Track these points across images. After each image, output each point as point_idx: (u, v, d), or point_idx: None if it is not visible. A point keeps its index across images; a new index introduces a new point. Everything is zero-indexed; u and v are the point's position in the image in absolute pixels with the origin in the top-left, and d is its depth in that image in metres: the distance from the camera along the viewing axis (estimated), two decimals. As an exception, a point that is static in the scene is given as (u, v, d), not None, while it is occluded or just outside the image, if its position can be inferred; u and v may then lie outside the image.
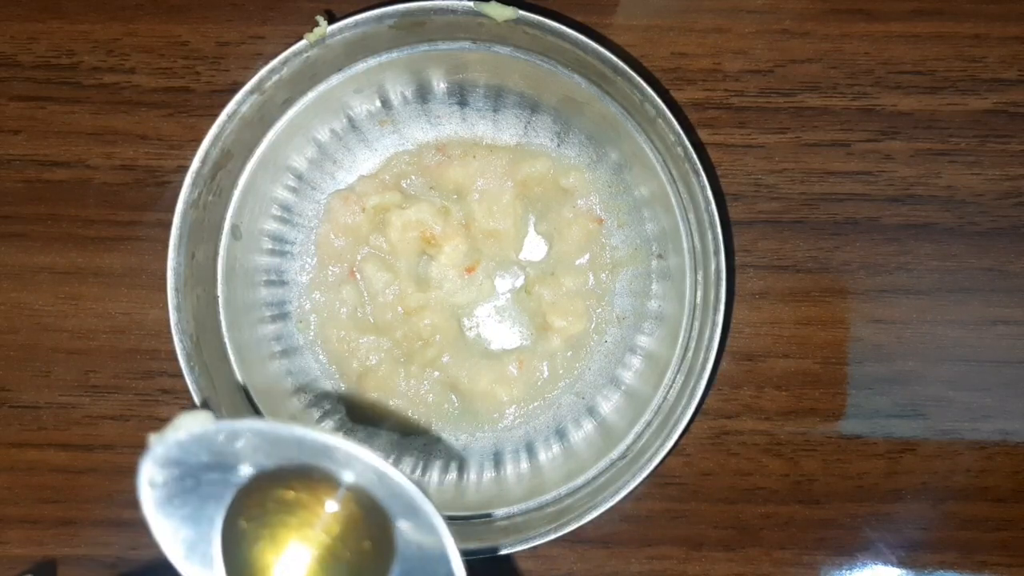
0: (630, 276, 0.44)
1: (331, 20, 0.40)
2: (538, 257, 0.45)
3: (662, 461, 0.39)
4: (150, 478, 0.25)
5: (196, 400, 0.39)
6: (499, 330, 0.45)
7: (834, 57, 0.45)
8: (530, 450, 0.44)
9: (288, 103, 0.42)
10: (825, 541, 0.44)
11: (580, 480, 0.42)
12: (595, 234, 0.44)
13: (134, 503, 0.46)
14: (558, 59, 0.41)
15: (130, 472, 0.45)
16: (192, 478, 0.25)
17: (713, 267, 0.39)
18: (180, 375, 0.39)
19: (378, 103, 0.44)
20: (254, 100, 0.40)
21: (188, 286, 0.40)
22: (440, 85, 0.43)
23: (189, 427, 0.25)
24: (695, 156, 0.39)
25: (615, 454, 0.42)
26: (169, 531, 0.25)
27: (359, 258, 0.45)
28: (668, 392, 0.41)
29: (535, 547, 0.39)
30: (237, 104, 0.40)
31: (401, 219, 0.44)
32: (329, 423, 0.44)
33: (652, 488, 0.44)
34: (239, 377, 0.42)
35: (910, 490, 0.44)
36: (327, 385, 0.44)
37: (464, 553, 0.38)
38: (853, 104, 0.45)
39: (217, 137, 0.40)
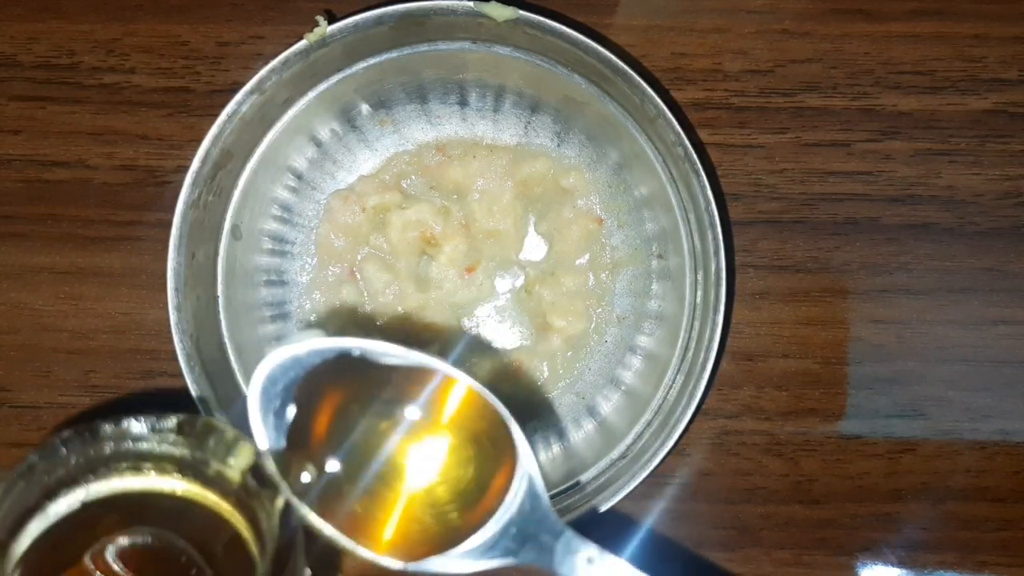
0: (630, 276, 0.44)
1: (331, 20, 0.40)
2: (538, 257, 0.45)
3: (662, 461, 0.39)
4: (263, 384, 0.29)
5: (196, 400, 0.39)
6: (499, 330, 0.45)
7: (834, 57, 0.45)
8: (530, 450, 0.44)
9: (288, 103, 0.42)
10: (825, 541, 0.44)
11: (580, 480, 0.42)
12: (595, 234, 0.44)
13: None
14: (558, 59, 0.41)
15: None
16: (295, 384, 0.29)
17: (713, 267, 0.39)
18: (180, 375, 0.39)
19: (378, 103, 0.44)
20: (254, 100, 0.40)
21: (188, 286, 0.40)
22: (440, 85, 0.43)
23: (306, 342, 0.29)
24: (695, 156, 0.39)
25: (615, 454, 0.42)
26: (265, 432, 0.29)
27: (359, 258, 0.45)
28: (668, 392, 0.41)
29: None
30: (237, 104, 0.40)
31: (401, 219, 0.44)
32: (329, 423, 0.44)
33: (652, 488, 0.44)
34: (239, 377, 0.42)
35: (910, 490, 0.44)
36: (327, 385, 0.44)
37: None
38: (853, 104, 0.45)
39: (217, 137, 0.40)
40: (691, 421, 0.39)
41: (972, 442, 0.44)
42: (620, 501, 0.39)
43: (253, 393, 0.29)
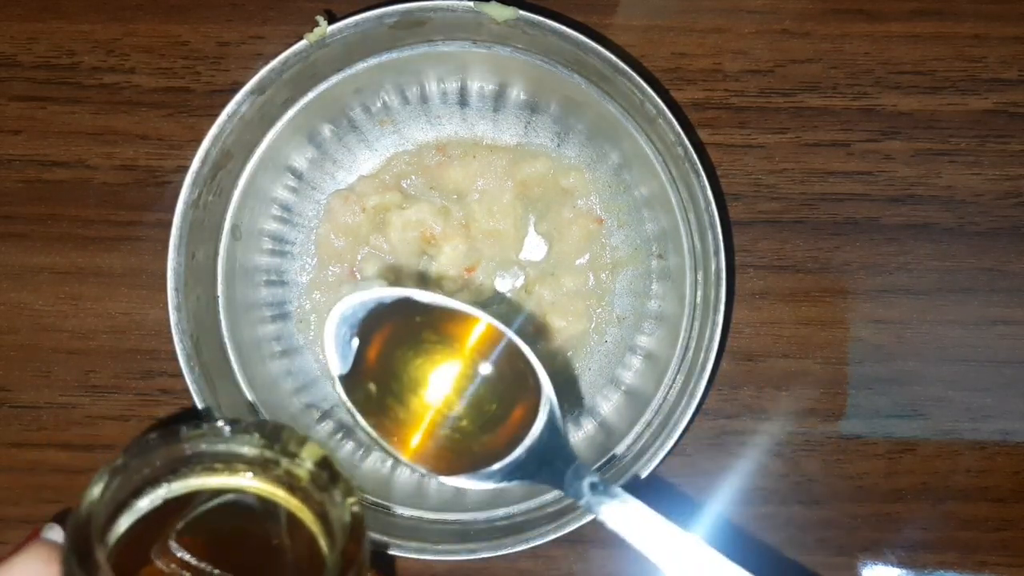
0: (630, 276, 0.44)
1: (331, 20, 0.40)
2: (538, 257, 0.45)
3: (662, 461, 0.39)
4: (336, 323, 0.34)
5: (196, 401, 0.39)
6: (499, 330, 0.45)
7: (834, 57, 0.45)
8: (530, 450, 0.44)
9: (288, 103, 0.42)
10: (825, 541, 0.44)
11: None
12: (595, 234, 0.44)
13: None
14: (558, 59, 0.41)
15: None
16: (351, 323, 0.34)
17: (713, 267, 0.39)
18: (180, 375, 0.39)
19: (378, 103, 0.44)
20: (254, 100, 0.40)
21: (188, 286, 0.40)
22: (440, 85, 0.43)
23: (372, 291, 0.34)
24: (695, 156, 0.39)
25: (615, 454, 0.42)
26: (338, 360, 0.34)
27: (359, 258, 0.45)
28: (668, 392, 0.41)
29: (535, 547, 0.39)
30: (237, 104, 0.40)
31: (401, 219, 0.44)
32: (329, 423, 0.44)
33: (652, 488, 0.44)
34: (239, 377, 0.42)
35: (910, 490, 0.44)
36: (327, 385, 0.44)
37: (464, 552, 0.38)
38: (853, 104, 0.45)
39: (217, 137, 0.40)
40: (691, 421, 0.39)
41: (972, 442, 0.44)
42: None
43: (329, 330, 0.34)
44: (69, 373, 0.45)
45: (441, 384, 0.36)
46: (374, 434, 0.35)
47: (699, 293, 0.41)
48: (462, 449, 0.35)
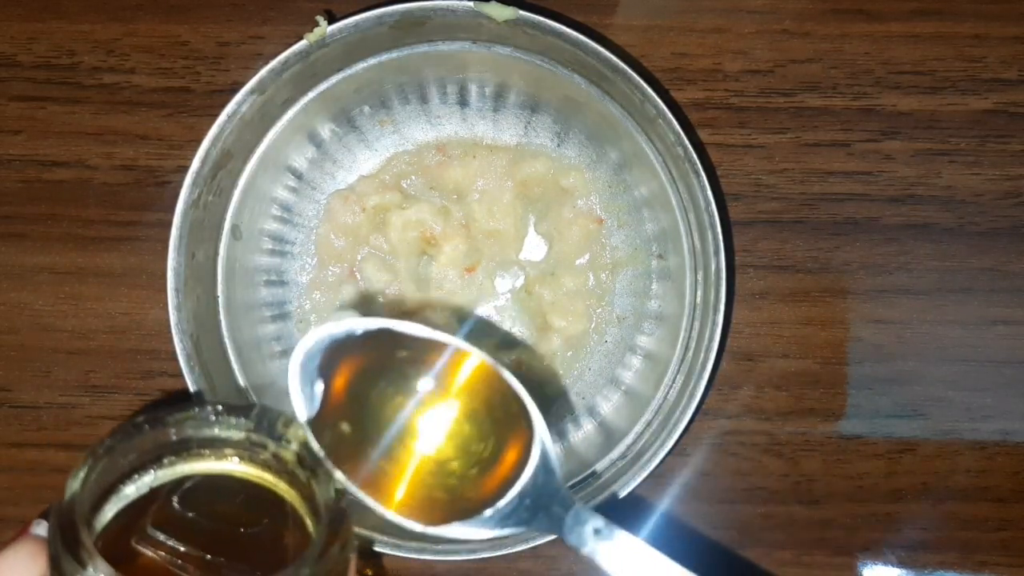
0: (630, 276, 0.44)
1: (331, 20, 0.40)
2: (538, 257, 0.45)
3: (662, 461, 0.39)
4: (301, 360, 0.32)
5: (196, 400, 0.39)
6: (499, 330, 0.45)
7: (834, 57, 0.45)
8: (530, 450, 0.44)
9: (288, 103, 0.42)
10: (825, 541, 0.44)
11: (580, 480, 0.42)
12: (595, 234, 0.44)
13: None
14: (558, 59, 0.41)
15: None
16: (321, 359, 0.32)
17: (713, 267, 0.39)
18: (180, 375, 0.39)
19: (378, 103, 0.44)
20: (254, 100, 0.40)
21: (188, 286, 0.40)
22: (440, 85, 0.43)
23: (343, 323, 0.31)
24: (695, 156, 0.39)
25: (615, 454, 0.41)
26: (302, 397, 0.32)
27: (359, 258, 0.45)
28: (668, 392, 0.41)
29: (535, 547, 0.39)
30: (237, 104, 0.40)
31: (401, 219, 0.44)
32: (329, 423, 0.44)
33: (652, 488, 0.44)
34: (239, 377, 0.42)
35: (910, 490, 0.44)
36: (327, 385, 0.44)
37: (464, 552, 0.38)
38: (853, 104, 0.45)
39: (217, 137, 0.40)
40: (691, 421, 0.39)
41: (972, 442, 0.44)
42: (620, 501, 0.39)
43: (293, 369, 0.32)
44: (69, 373, 0.45)
45: (425, 425, 0.33)
46: (351, 486, 0.32)
47: (699, 293, 0.41)
48: (450, 496, 0.33)
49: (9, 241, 0.46)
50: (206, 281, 0.42)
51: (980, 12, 0.45)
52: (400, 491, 0.32)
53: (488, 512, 0.32)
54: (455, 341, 0.32)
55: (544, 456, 0.32)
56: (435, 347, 0.32)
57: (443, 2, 0.39)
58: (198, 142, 0.40)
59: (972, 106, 0.45)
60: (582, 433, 0.44)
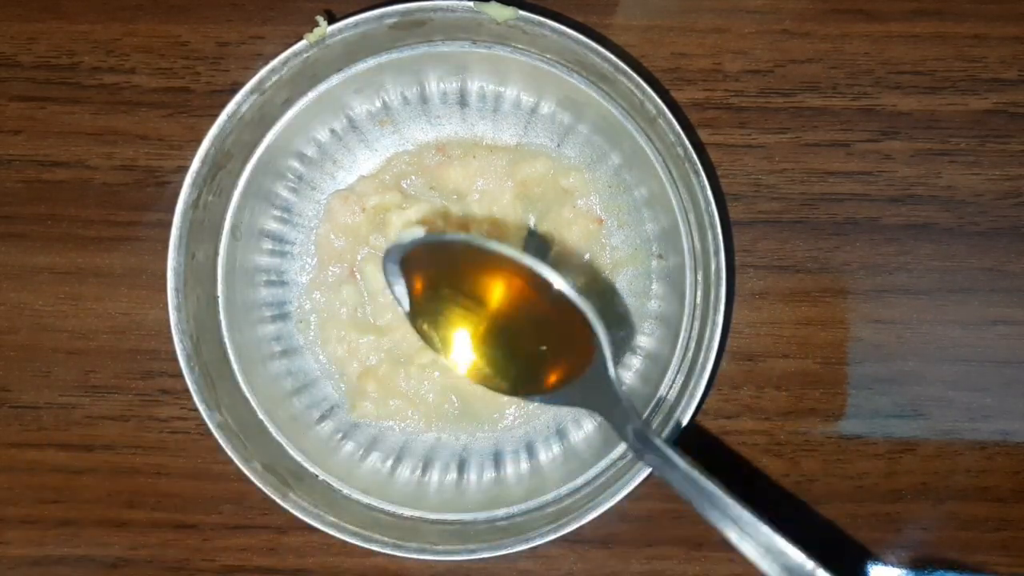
0: (630, 276, 0.44)
1: (331, 20, 0.40)
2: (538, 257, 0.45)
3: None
4: (390, 261, 0.37)
5: (196, 400, 0.39)
6: (499, 330, 0.45)
7: (834, 57, 0.45)
8: (530, 450, 0.44)
9: (288, 103, 0.42)
10: (825, 541, 0.44)
11: (580, 480, 0.42)
12: (595, 234, 0.44)
13: (134, 503, 0.46)
14: (558, 59, 0.41)
15: (130, 472, 0.45)
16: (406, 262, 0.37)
17: (713, 267, 0.39)
18: (180, 375, 0.39)
19: (378, 103, 0.44)
20: (254, 100, 0.40)
21: (188, 286, 0.40)
22: (440, 85, 0.43)
23: (419, 232, 0.38)
24: (695, 156, 0.39)
25: (615, 454, 0.42)
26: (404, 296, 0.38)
27: (359, 258, 0.45)
28: (668, 392, 0.41)
29: (535, 547, 0.39)
30: (237, 104, 0.40)
31: (401, 219, 0.44)
32: (329, 423, 0.44)
33: (652, 488, 0.44)
34: (239, 377, 0.42)
35: (910, 490, 0.44)
36: (327, 385, 0.44)
37: (464, 552, 0.38)
38: (853, 104, 0.45)
39: (217, 137, 0.40)
40: (691, 421, 0.39)
41: (972, 442, 0.44)
42: (620, 501, 0.39)
43: (391, 267, 0.37)
44: (69, 373, 0.45)
45: (501, 316, 0.37)
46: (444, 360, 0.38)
47: (699, 293, 0.41)
48: (519, 376, 0.38)
49: (9, 241, 0.46)
50: (206, 281, 0.42)
51: (980, 12, 0.45)
52: (481, 365, 0.38)
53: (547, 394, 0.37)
54: (540, 265, 0.34)
55: (602, 358, 0.34)
56: (514, 265, 0.35)
57: (443, 2, 0.39)
58: (198, 142, 0.40)
59: (972, 106, 0.45)
60: (582, 433, 0.44)
